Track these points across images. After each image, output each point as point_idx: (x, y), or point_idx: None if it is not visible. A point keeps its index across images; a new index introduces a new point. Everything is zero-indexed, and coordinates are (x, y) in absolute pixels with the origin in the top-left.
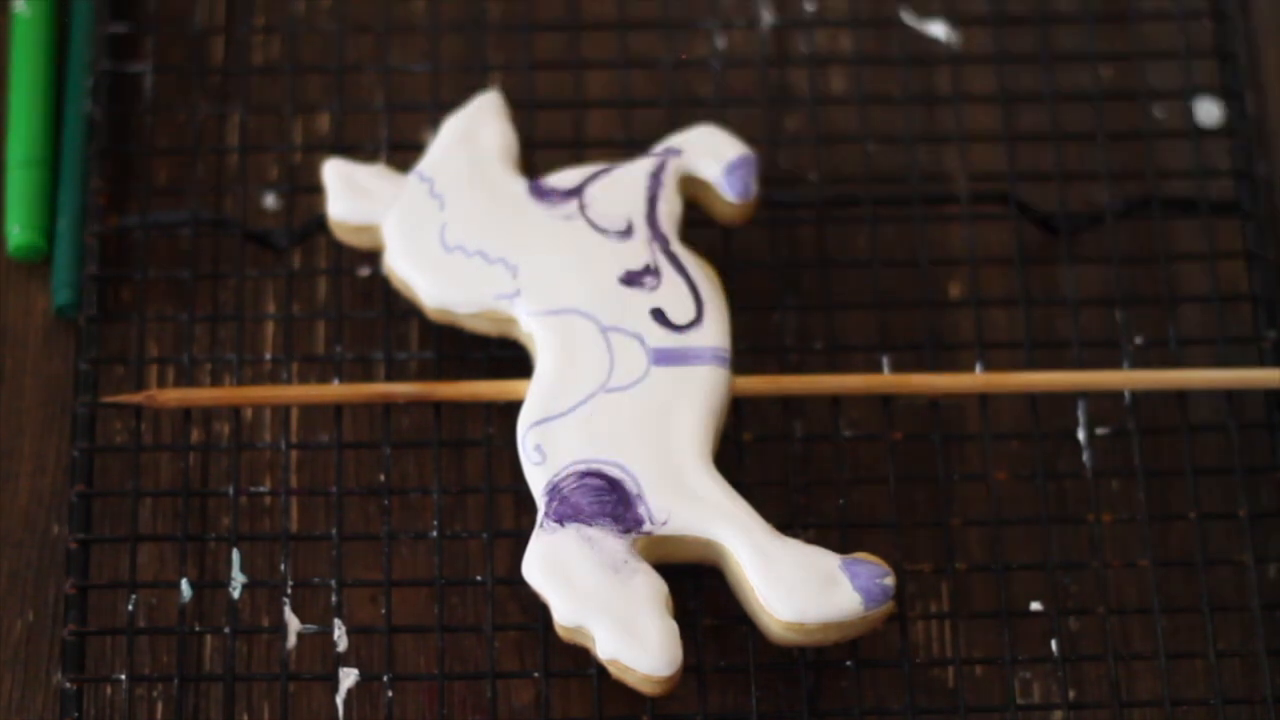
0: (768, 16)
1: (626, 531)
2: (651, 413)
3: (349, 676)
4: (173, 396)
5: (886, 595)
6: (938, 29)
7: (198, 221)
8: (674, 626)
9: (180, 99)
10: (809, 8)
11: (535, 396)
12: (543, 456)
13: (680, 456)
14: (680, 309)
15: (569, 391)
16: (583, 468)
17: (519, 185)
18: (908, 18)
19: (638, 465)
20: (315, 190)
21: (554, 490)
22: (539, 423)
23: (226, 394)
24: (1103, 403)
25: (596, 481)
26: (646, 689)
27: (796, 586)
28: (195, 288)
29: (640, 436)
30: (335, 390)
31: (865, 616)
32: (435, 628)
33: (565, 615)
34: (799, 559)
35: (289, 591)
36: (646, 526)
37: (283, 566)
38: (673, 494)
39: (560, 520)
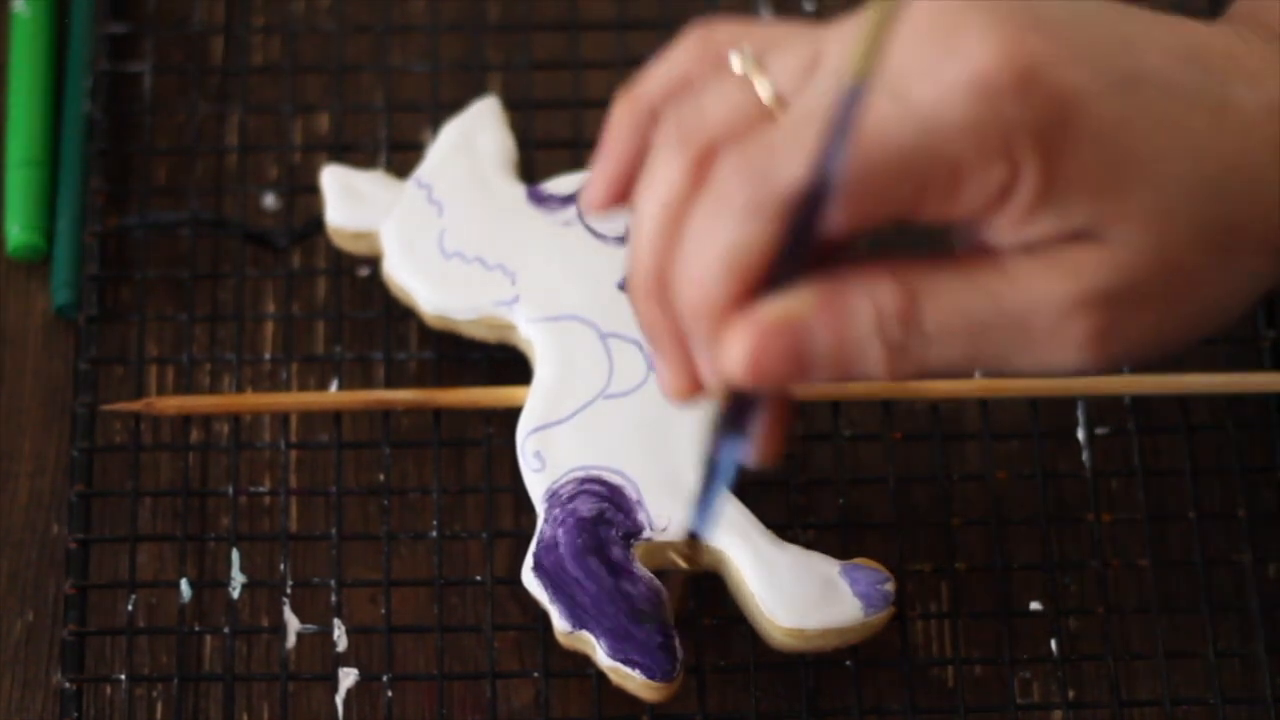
0: (767, 16)
1: (626, 538)
2: (651, 419)
3: (349, 676)
4: (171, 405)
5: (887, 601)
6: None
7: (197, 221)
8: (674, 634)
9: (180, 99)
10: (808, 7)
11: (534, 403)
12: (542, 463)
13: (680, 462)
14: None
15: (568, 398)
16: (582, 474)
17: (517, 191)
18: None
19: (637, 471)
20: (315, 190)
21: (554, 497)
22: (538, 429)
23: (225, 401)
24: (1102, 402)
25: (596, 488)
26: (647, 695)
27: (797, 593)
28: (195, 288)
29: (640, 443)
30: (334, 398)
31: (866, 622)
32: (435, 628)
33: (565, 624)
34: (799, 565)
35: (289, 591)
36: (646, 533)
37: (282, 566)
38: (672, 500)
39: (559, 527)
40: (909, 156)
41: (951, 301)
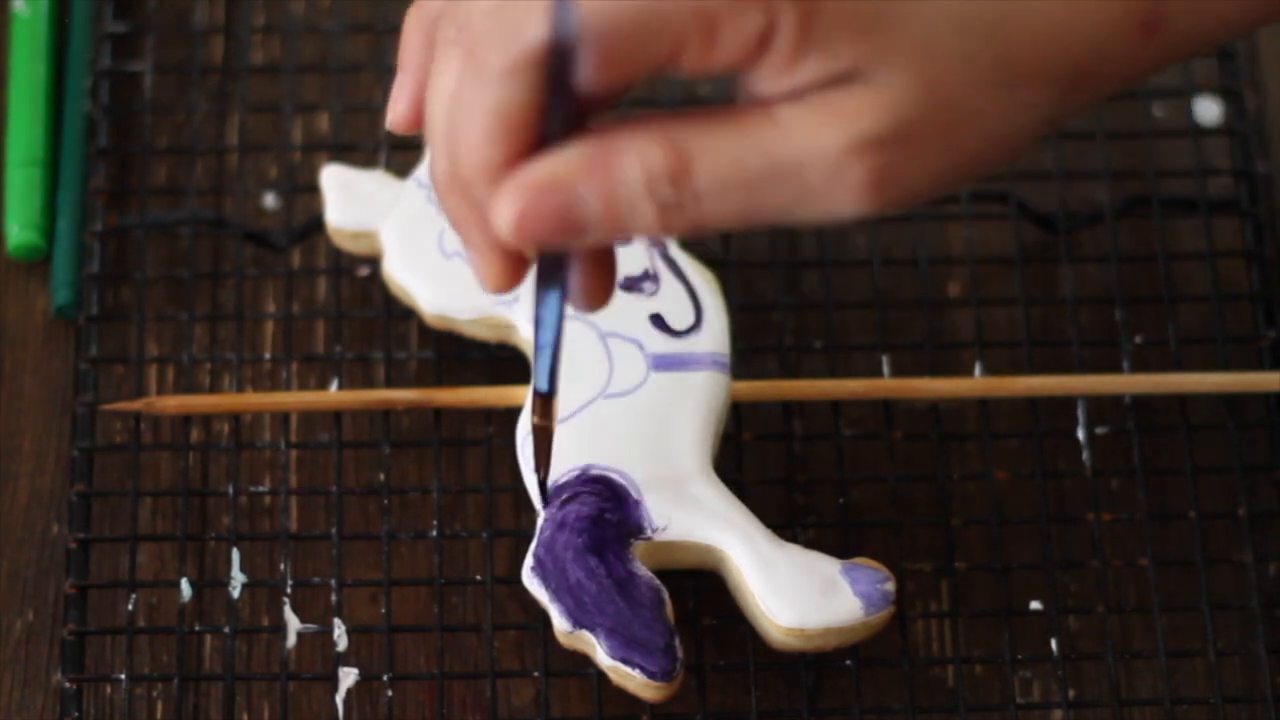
0: None
1: (626, 538)
2: (651, 419)
3: (349, 676)
4: (171, 404)
5: (887, 600)
6: None
7: (197, 221)
8: (675, 634)
9: (180, 98)
10: None
11: None
12: None
13: (680, 462)
14: (679, 314)
15: (568, 398)
16: (582, 474)
17: None
18: None
19: (637, 471)
20: (315, 190)
21: (553, 496)
22: None
23: (225, 401)
24: (1102, 402)
25: (596, 488)
26: (647, 695)
27: (797, 592)
28: (195, 287)
29: (640, 442)
30: (334, 397)
31: (866, 622)
32: (435, 627)
33: (565, 623)
34: (799, 564)
35: (289, 591)
36: (646, 533)
37: (282, 566)
38: (672, 500)
39: (559, 527)
40: (659, 11)
41: (723, 157)
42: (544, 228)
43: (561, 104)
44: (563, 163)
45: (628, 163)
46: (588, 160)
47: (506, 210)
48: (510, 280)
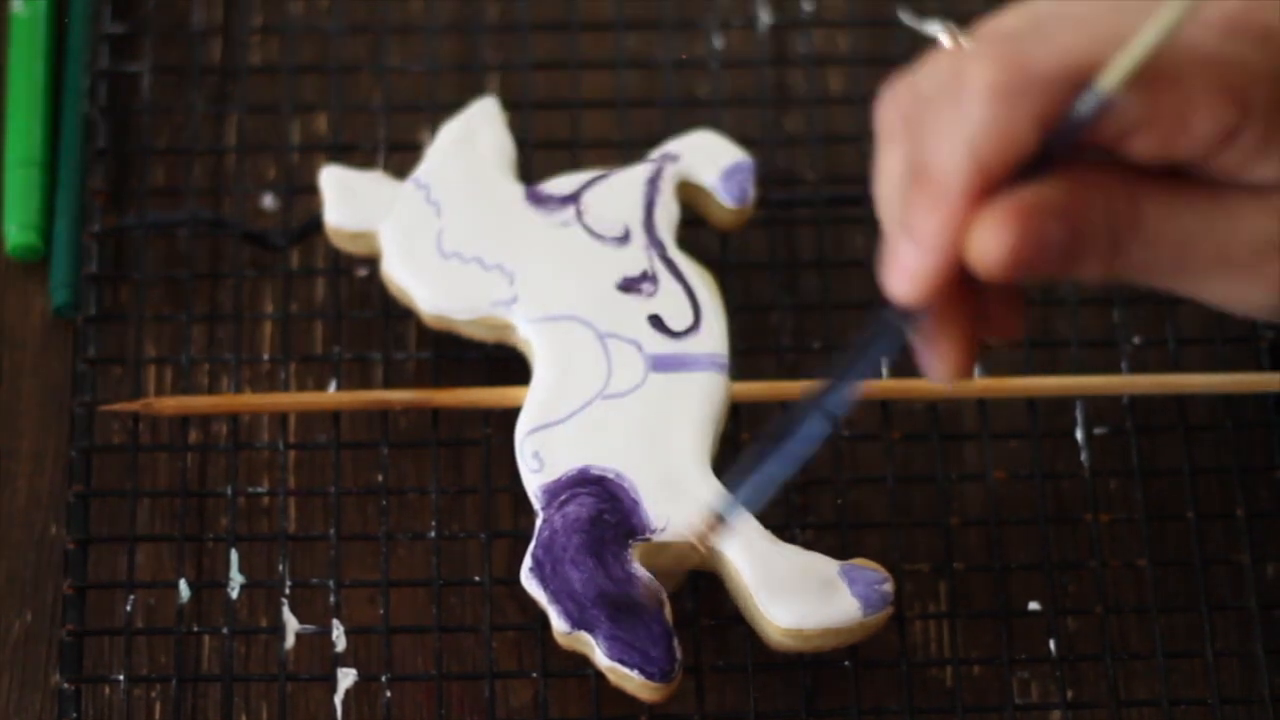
0: (765, 16)
1: (625, 539)
2: (649, 419)
3: (347, 677)
4: (170, 405)
5: (885, 601)
6: (936, 29)
7: (196, 222)
8: (673, 635)
9: (178, 99)
10: (807, 8)
11: (533, 403)
12: (540, 464)
13: (679, 463)
14: (678, 315)
15: (567, 398)
16: (580, 474)
17: (516, 191)
18: (906, 17)
19: (636, 472)
20: (313, 191)
21: (552, 497)
22: (537, 430)
23: (223, 402)
24: (1101, 403)
25: (594, 488)
26: (645, 695)
27: (795, 593)
28: (193, 288)
29: (638, 443)
30: (333, 398)
31: (864, 623)
32: (433, 628)
33: (564, 624)
34: (797, 565)
35: (287, 592)
36: (645, 534)
37: (281, 567)
38: (671, 501)
39: (558, 528)
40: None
41: (1168, 214)
42: (1029, 253)
43: (1063, 139)
44: (1046, 193)
45: (1097, 205)
46: (1067, 195)
47: (997, 233)
48: (923, 286)
